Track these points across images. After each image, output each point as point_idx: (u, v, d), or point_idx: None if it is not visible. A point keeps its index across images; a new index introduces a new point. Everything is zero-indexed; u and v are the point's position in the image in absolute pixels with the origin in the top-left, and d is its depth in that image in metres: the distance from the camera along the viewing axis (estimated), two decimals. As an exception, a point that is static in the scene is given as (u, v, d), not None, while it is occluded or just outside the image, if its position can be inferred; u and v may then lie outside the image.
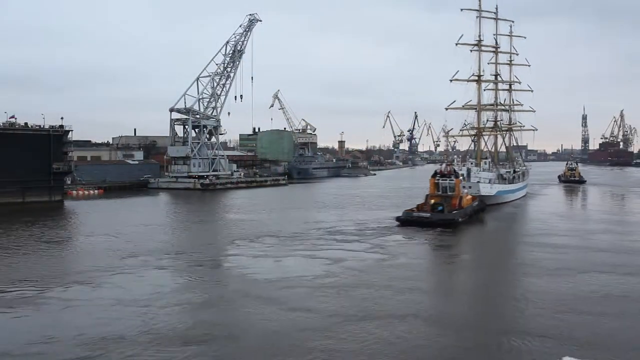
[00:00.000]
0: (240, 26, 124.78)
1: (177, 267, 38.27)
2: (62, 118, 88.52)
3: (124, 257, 40.76)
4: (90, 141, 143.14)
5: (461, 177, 68.09)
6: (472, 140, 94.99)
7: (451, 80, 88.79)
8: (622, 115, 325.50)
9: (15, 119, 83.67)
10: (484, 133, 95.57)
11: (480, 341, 24.14)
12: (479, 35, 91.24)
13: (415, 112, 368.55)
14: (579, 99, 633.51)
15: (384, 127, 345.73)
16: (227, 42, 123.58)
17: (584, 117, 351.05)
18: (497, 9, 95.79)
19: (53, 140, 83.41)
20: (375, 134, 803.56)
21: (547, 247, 46.52)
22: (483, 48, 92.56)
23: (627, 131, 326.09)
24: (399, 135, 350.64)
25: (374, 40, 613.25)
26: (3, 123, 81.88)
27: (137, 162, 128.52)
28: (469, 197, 66.22)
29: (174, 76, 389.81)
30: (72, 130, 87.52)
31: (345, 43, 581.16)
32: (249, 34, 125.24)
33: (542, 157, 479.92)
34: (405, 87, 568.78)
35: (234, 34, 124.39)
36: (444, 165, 68.13)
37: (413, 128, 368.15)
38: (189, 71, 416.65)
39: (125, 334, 23.93)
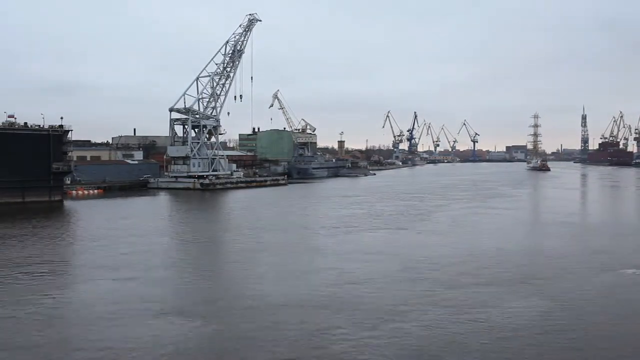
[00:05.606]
0: (240, 26, 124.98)
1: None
2: (62, 118, 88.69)
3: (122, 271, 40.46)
4: (89, 141, 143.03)
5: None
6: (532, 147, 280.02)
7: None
8: (622, 115, 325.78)
9: (15, 118, 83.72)
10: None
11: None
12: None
13: (415, 112, 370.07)
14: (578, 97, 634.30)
15: (383, 127, 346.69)
16: (227, 42, 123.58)
17: (584, 117, 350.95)
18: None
19: (53, 140, 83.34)
20: (375, 134, 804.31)
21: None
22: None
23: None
24: (398, 135, 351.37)
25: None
26: (3, 123, 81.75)
27: (136, 162, 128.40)
28: (548, 166, 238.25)
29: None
30: (71, 130, 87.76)
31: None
32: (248, 33, 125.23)
33: (542, 156, 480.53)
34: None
35: (233, 33, 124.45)
36: (540, 160, 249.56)
37: (413, 128, 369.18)
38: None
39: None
